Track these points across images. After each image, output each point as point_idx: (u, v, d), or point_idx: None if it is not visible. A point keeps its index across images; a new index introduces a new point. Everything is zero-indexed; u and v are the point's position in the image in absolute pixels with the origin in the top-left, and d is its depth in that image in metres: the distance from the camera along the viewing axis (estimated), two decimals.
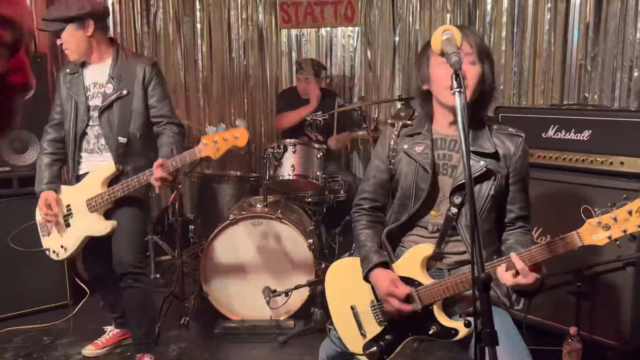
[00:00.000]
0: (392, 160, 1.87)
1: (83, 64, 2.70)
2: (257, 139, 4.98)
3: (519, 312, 2.81)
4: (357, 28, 4.73)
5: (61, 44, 2.61)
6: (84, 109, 2.68)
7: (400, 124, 1.89)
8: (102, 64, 2.68)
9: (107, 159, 2.65)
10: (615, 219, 1.47)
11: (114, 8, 4.54)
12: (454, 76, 1.24)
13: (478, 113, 1.76)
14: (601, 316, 2.67)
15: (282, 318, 3.24)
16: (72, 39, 2.59)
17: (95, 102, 2.68)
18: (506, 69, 3.84)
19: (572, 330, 2.54)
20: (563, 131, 2.83)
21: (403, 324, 1.77)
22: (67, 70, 2.73)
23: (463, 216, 1.73)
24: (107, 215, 2.65)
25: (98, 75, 2.68)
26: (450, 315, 1.72)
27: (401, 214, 1.85)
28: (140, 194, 2.69)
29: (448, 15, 4.14)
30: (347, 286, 1.94)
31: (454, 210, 1.73)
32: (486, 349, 1.09)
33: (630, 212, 1.45)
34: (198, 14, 4.82)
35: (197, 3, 4.80)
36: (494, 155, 1.73)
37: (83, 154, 2.74)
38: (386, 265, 1.79)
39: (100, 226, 2.62)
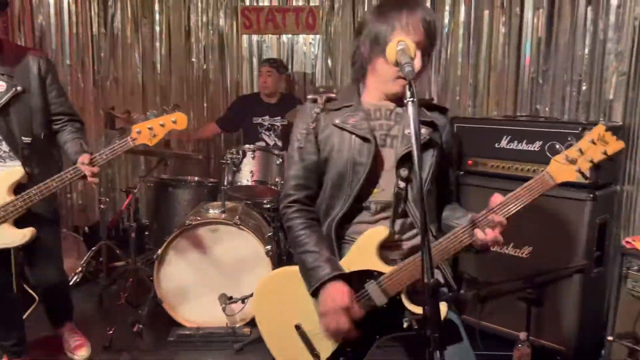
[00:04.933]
0: (319, 138, 1.66)
1: None
2: (216, 144, 4.93)
3: (473, 319, 2.87)
4: (318, 36, 4.76)
5: None
6: None
7: (324, 97, 1.69)
8: None
9: (15, 166, 2.42)
10: (580, 151, 1.47)
11: (70, 8, 4.45)
12: (407, 86, 1.26)
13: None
14: (550, 322, 2.75)
15: (238, 325, 3.21)
16: None
17: None
18: (462, 80, 3.94)
19: (522, 335, 2.61)
20: (516, 142, 2.91)
21: (367, 325, 1.55)
22: None
23: (409, 191, 1.60)
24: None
25: None
26: (419, 303, 1.48)
27: (336, 198, 1.63)
28: (51, 206, 2.57)
29: None
30: (287, 303, 1.66)
31: (402, 184, 1.58)
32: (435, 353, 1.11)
33: (592, 142, 1.46)
34: (157, 16, 4.75)
35: (156, 6, 4.73)
36: (432, 125, 1.66)
37: None
38: (342, 277, 1.55)
39: (16, 236, 2.36)
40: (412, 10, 1.55)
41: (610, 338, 2.51)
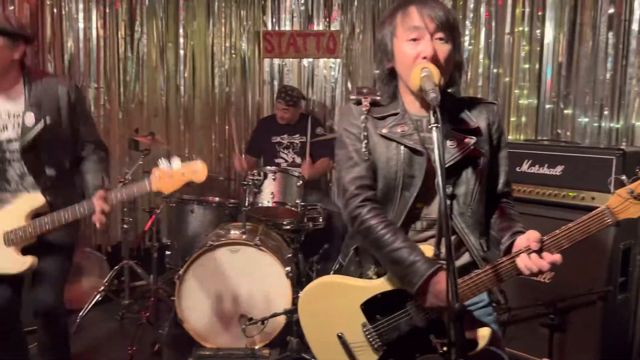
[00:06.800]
0: (366, 142, 1.56)
1: None
2: None
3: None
4: (338, 60, 4.83)
5: None
6: None
7: (369, 100, 1.60)
8: (13, 89, 2.32)
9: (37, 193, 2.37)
10: None
11: (98, 33, 4.58)
12: (431, 112, 1.28)
13: (450, 89, 1.62)
14: (573, 348, 2.71)
15: (257, 347, 3.21)
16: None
17: (9, 134, 2.30)
18: None
19: None
20: (537, 166, 2.91)
21: (407, 344, 1.54)
22: None
23: (455, 208, 1.54)
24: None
25: (9, 103, 2.31)
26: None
27: (386, 212, 1.57)
28: (68, 237, 2.44)
29: None
30: (330, 312, 1.66)
31: (447, 201, 1.44)
32: None
33: None
34: (181, 40, 4.87)
35: (181, 30, 4.85)
36: (477, 132, 1.56)
37: (2, 196, 2.36)
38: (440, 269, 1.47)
39: (17, 263, 2.27)
40: (405, 8, 1.53)
41: None
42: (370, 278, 1.63)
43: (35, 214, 2.31)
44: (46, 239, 2.34)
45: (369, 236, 1.53)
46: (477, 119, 1.60)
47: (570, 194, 2.78)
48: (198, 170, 2.18)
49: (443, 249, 1.55)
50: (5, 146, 2.31)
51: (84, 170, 2.43)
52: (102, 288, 3.84)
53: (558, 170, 2.83)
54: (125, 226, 3.98)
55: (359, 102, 1.61)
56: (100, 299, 3.80)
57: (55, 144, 2.36)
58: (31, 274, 2.38)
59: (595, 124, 3.34)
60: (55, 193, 2.36)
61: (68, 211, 2.25)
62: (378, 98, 1.61)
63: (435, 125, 1.26)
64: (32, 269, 2.29)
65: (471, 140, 1.53)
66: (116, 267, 3.95)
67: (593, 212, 1.36)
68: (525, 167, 2.94)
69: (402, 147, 1.54)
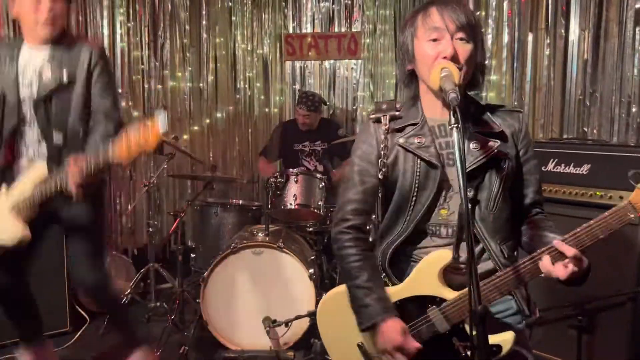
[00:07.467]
0: (385, 161, 1.57)
1: (20, 43, 2.29)
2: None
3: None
4: (360, 61, 4.82)
5: (50, 10, 2.21)
6: (14, 101, 2.27)
7: (388, 116, 1.60)
8: (42, 44, 2.28)
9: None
10: None
11: (123, 38, 4.65)
12: (451, 112, 1.26)
13: (472, 91, 1.61)
14: (602, 350, 2.66)
15: (282, 349, 3.22)
16: (63, 11, 2.24)
17: (30, 91, 2.27)
18: (506, 102, 3.90)
19: None
20: (563, 165, 2.86)
21: (429, 350, 1.50)
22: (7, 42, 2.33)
23: (476, 213, 1.51)
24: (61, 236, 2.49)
25: (35, 57, 2.28)
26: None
27: (395, 221, 1.59)
28: (86, 213, 2.39)
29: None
30: (348, 321, 1.62)
31: (469, 206, 1.40)
32: None
33: None
34: (204, 44, 4.92)
35: (204, 35, 4.90)
36: (501, 136, 1.54)
37: (22, 162, 2.35)
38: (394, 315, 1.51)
39: (7, 233, 2.23)
40: (425, 9, 1.54)
41: None
42: (386, 285, 1.60)
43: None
44: (67, 220, 2.39)
45: (341, 263, 1.62)
46: (502, 125, 1.57)
47: (597, 193, 2.72)
48: (148, 139, 1.99)
49: (462, 253, 1.53)
50: (27, 104, 2.29)
51: (88, 142, 2.30)
52: (129, 291, 3.89)
53: (584, 169, 2.78)
54: (150, 230, 4.02)
55: (378, 120, 1.62)
56: (126, 301, 3.85)
57: (67, 105, 2.28)
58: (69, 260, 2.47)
59: (623, 122, 3.27)
60: (61, 163, 2.27)
61: (51, 180, 2.18)
62: (397, 113, 1.61)
63: (456, 125, 1.25)
64: (24, 241, 2.24)
65: (495, 143, 1.51)
66: (142, 270, 3.99)
67: (615, 207, 1.33)
68: (550, 166, 2.89)
69: (418, 160, 1.54)
